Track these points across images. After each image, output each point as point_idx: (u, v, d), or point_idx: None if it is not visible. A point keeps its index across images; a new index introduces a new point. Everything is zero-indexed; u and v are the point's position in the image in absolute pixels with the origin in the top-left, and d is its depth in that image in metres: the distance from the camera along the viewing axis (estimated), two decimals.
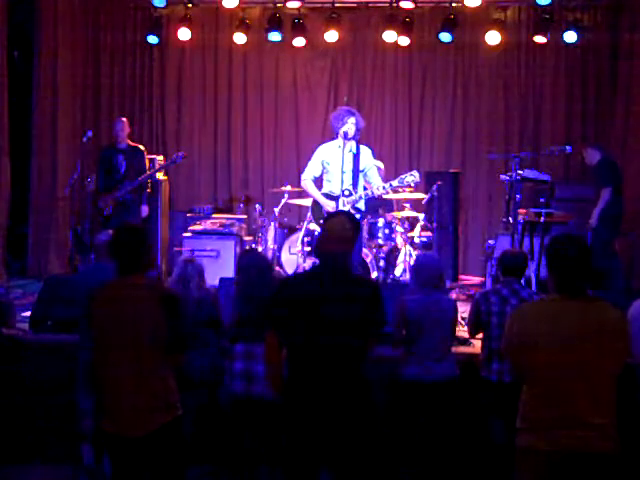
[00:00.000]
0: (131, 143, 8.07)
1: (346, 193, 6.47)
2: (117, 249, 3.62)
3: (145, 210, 7.90)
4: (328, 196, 6.62)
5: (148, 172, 7.98)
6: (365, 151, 6.68)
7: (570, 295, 3.15)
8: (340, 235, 3.48)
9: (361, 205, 6.57)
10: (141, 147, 8.12)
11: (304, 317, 3.41)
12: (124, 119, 8.12)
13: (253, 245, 8.51)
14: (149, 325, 3.46)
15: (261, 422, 4.41)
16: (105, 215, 7.80)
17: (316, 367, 3.41)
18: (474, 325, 5.01)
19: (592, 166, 7.61)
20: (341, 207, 6.43)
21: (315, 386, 3.40)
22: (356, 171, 6.55)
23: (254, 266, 4.62)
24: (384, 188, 6.59)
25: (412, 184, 6.76)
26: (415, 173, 6.66)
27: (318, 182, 6.82)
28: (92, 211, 7.87)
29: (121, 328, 3.47)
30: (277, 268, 7.67)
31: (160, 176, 9.18)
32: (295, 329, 3.44)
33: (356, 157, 6.56)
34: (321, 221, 6.70)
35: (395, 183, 6.68)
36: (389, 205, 8.18)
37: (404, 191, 8.00)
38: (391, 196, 8.02)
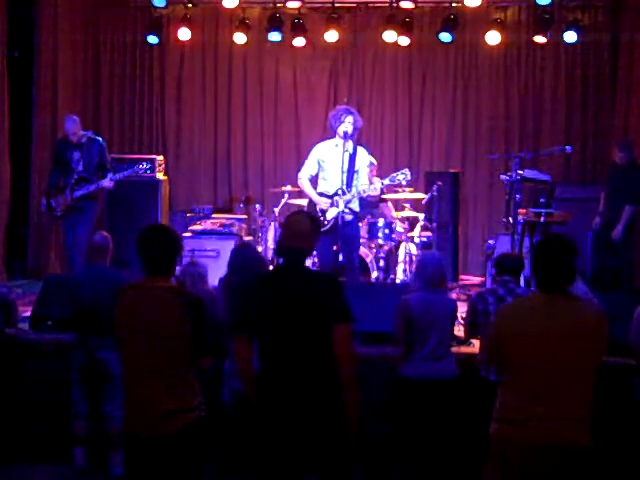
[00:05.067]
0: (91, 136, 7.39)
1: (339, 192, 6.46)
2: (143, 248, 3.51)
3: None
4: (323, 195, 6.60)
5: (111, 175, 7.20)
6: (361, 152, 6.67)
7: (552, 293, 3.21)
8: (298, 232, 3.52)
9: (354, 205, 6.56)
10: (99, 138, 7.40)
11: (269, 316, 3.43)
12: (75, 117, 7.43)
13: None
14: (173, 329, 3.43)
15: None
16: (55, 216, 7.35)
17: (283, 364, 3.41)
18: (471, 325, 5.02)
19: (619, 163, 7.40)
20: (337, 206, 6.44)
21: (285, 384, 3.40)
22: (351, 171, 6.53)
23: (245, 262, 4.65)
24: (375, 189, 6.61)
25: (403, 182, 6.81)
26: (406, 171, 6.67)
27: (313, 181, 6.81)
28: (44, 208, 7.32)
29: (145, 330, 3.42)
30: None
31: (160, 176, 9.19)
32: (262, 329, 3.46)
33: (352, 157, 6.55)
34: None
35: (386, 181, 6.73)
36: (376, 206, 8.15)
37: (404, 191, 8.01)
38: (391, 196, 8.03)
